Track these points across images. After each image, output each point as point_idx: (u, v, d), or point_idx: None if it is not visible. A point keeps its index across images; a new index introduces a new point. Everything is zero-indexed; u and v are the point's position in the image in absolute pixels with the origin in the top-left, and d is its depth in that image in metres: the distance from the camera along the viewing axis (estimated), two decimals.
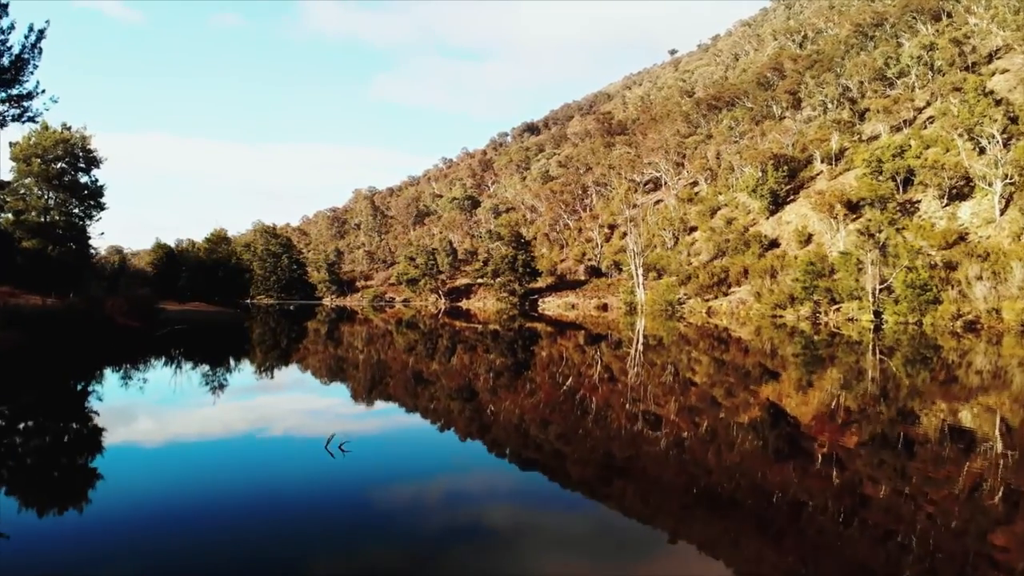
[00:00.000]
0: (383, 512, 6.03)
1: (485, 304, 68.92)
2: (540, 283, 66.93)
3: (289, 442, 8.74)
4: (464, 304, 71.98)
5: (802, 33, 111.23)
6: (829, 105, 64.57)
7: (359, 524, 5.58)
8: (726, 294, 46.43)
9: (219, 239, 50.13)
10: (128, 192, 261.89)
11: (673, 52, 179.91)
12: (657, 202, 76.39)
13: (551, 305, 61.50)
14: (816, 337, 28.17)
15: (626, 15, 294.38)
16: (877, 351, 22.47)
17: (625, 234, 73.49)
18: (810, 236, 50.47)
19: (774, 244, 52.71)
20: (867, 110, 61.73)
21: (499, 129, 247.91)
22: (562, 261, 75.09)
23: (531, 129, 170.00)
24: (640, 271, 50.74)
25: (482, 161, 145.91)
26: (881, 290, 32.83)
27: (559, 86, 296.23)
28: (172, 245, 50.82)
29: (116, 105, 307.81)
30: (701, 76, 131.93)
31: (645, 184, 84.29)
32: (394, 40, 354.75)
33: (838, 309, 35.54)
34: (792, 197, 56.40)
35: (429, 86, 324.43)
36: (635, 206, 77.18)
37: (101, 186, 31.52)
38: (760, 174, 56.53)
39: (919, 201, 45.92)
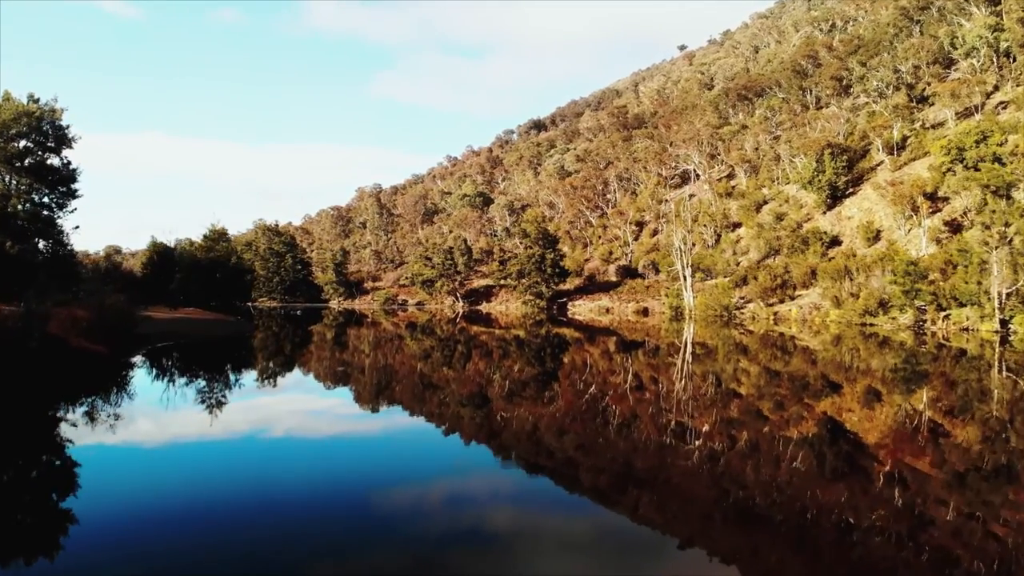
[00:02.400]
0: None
1: (507, 307, 63.42)
2: (568, 285, 61.44)
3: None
4: (484, 307, 66.46)
5: (830, 22, 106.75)
6: (885, 90, 59.15)
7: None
8: (792, 298, 41.02)
9: (217, 236, 44.62)
10: (128, 192, 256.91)
11: (683, 47, 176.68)
12: (690, 196, 71.09)
13: (582, 309, 56.03)
14: (921, 349, 24.42)
15: (629, 13, 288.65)
16: (1004, 367, 19.08)
17: (656, 231, 68.28)
18: (878, 232, 45.18)
19: (835, 242, 47.41)
20: (928, 95, 56.50)
21: (500, 127, 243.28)
22: (587, 261, 69.74)
23: (538, 126, 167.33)
24: (689, 271, 45.33)
25: (489, 158, 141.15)
26: (1008, 295, 27.45)
27: (562, 83, 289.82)
28: (171, 245, 45.19)
29: (114, 104, 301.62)
30: (721, 68, 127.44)
31: (671, 178, 79.06)
32: (395, 37, 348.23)
33: (947, 317, 30.16)
34: (851, 189, 51.03)
35: (430, 84, 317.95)
36: (665, 201, 71.94)
37: (74, 170, 25.99)
38: (815, 164, 51.11)
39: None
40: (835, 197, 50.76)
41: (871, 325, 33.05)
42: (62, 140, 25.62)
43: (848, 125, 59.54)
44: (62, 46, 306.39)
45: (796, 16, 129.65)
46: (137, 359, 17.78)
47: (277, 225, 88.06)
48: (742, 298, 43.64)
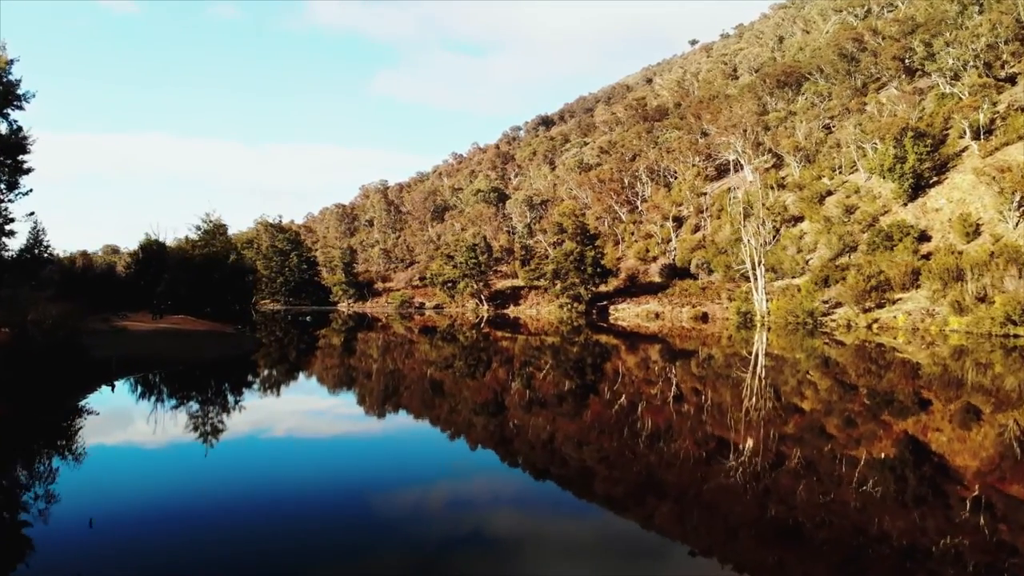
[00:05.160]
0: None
1: (538, 311, 57.18)
2: (607, 286, 55.18)
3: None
4: (511, 311, 60.21)
5: (866, 7, 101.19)
6: (961, 70, 53.13)
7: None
8: (892, 302, 34.93)
9: (214, 230, 38.40)
10: (127, 192, 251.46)
11: (695, 42, 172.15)
12: (729, 189, 65.04)
13: (626, 313, 49.81)
14: None
15: (631, 13, 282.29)
16: None
17: (698, 227, 62.35)
18: (977, 225, 39.12)
19: (923, 236, 41.35)
20: (1012, 74, 50.54)
21: (504, 125, 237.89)
22: (620, 259, 63.62)
23: (546, 122, 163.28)
24: (761, 271, 39.18)
25: (498, 154, 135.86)
26: None
27: (566, 81, 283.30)
28: (164, 241, 38.82)
29: (111, 103, 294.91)
30: (745, 58, 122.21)
31: (706, 169, 73.08)
32: (396, 35, 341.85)
33: None
34: (936, 178, 44.93)
35: (433, 82, 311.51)
36: (703, 194, 65.94)
37: (24, 138, 19.83)
38: (892, 150, 44.97)
39: None
40: (918, 187, 44.67)
41: (1015, 336, 27.02)
42: (9, 97, 19.50)
43: (917, 109, 53.52)
44: (57, 44, 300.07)
45: (822, 4, 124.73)
46: (79, 412, 11.21)
47: (280, 222, 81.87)
48: (825, 302, 37.55)
